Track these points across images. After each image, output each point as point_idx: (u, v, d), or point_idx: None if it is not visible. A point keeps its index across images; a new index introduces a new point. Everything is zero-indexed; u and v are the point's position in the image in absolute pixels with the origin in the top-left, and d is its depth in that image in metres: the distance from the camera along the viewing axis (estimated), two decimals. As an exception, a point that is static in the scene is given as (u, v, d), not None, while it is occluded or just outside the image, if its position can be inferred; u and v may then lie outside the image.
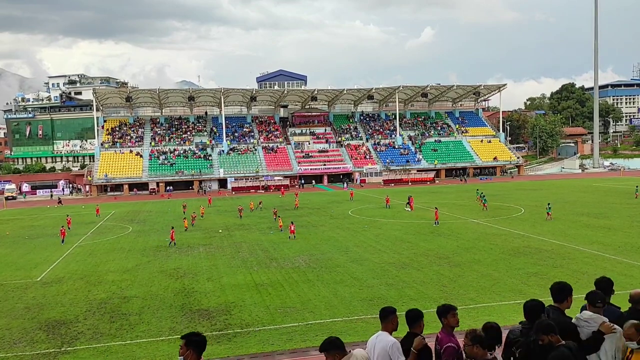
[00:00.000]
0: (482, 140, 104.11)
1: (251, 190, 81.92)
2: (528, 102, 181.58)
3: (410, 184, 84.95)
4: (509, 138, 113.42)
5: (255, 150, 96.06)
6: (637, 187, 55.36)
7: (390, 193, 68.73)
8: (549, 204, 43.84)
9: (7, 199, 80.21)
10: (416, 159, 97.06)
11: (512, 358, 6.27)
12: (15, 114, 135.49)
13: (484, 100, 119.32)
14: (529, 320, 6.33)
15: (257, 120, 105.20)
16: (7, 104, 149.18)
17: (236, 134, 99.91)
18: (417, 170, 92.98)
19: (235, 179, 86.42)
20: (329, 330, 18.58)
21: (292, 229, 37.44)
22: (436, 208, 42.57)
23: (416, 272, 26.37)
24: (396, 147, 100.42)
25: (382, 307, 6.94)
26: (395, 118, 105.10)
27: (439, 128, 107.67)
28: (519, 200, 56.06)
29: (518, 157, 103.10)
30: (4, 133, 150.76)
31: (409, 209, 51.01)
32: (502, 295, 21.73)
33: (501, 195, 61.28)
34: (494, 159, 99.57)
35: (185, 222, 43.84)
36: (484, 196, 51.78)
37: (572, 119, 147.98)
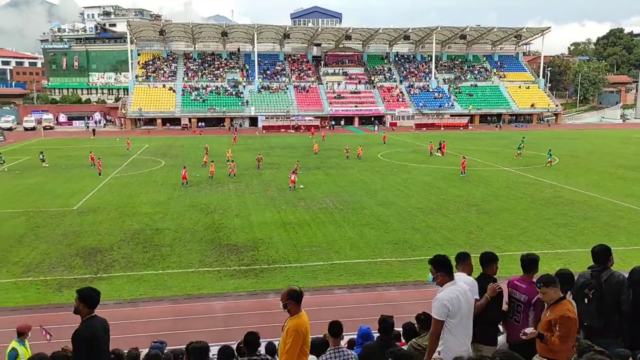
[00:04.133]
0: (520, 86, 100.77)
1: (281, 130, 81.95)
2: (572, 47, 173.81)
3: (442, 129, 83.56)
4: (548, 84, 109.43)
5: (287, 89, 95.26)
6: None
7: (422, 138, 67.87)
8: (549, 150, 45.59)
9: (45, 128, 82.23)
10: (450, 104, 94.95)
11: (586, 299, 6.59)
12: (51, 44, 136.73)
13: (525, 44, 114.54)
14: (597, 264, 6.71)
15: (289, 59, 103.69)
16: (44, 33, 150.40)
17: (268, 72, 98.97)
18: (451, 115, 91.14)
19: (266, 118, 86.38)
20: (353, 270, 18.95)
21: (293, 178, 34.85)
22: (464, 157, 41.57)
23: (443, 218, 26.38)
24: (430, 90, 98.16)
25: (458, 252, 7.19)
26: (431, 60, 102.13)
27: (476, 72, 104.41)
28: (554, 149, 54.68)
29: (557, 105, 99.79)
30: (42, 63, 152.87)
31: (440, 155, 50.45)
32: (529, 244, 21.66)
33: (536, 143, 59.89)
34: (532, 106, 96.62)
35: (205, 158, 44.09)
36: (521, 145, 50.99)
37: (617, 67, 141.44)
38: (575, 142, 62.54)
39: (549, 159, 43.97)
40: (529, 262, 6.78)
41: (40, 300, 16.70)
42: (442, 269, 6.15)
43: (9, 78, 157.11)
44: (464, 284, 6.24)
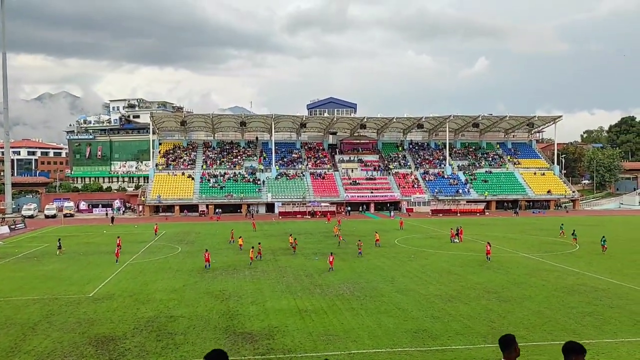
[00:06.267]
0: (535, 173, 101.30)
1: (297, 216, 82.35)
2: (585, 135, 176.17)
3: (459, 214, 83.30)
4: (564, 171, 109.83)
5: (303, 175, 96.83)
6: None
7: (439, 223, 67.59)
8: (603, 237, 43.36)
9: (65, 216, 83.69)
10: (466, 190, 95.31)
11: None
12: (77, 135, 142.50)
13: (538, 132, 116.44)
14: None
15: (306, 147, 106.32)
16: (70, 125, 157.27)
17: (285, 159, 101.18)
18: (467, 201, 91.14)
19: (282, 204, 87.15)
20: (372, 361, 18.27)
21: (331, 260, 35.92)
22: (488, 243, 41.16)
23: (463, 305, 25.69)
24: (445, 176, 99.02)
25: (501, 336, 6.33)
26: (445, 147, 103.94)
27: (490, 159, 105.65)
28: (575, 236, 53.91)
29: (573, 191, 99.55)
30: (66, 153, 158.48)
31: (458, 241, 49.96)
32: (554, 334, 20.84)
33: (555, 230, 59.18)
34: (548, 192, 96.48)
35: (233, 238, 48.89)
36: (574, 232, 49.33)
37: (632, 154, 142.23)
38: (595, 228, 61.64)
39: (604, 246, 42.28)
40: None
41: (49, 391, 16.21)
42: None
43: (34, 167, 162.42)
44: None
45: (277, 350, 19.48)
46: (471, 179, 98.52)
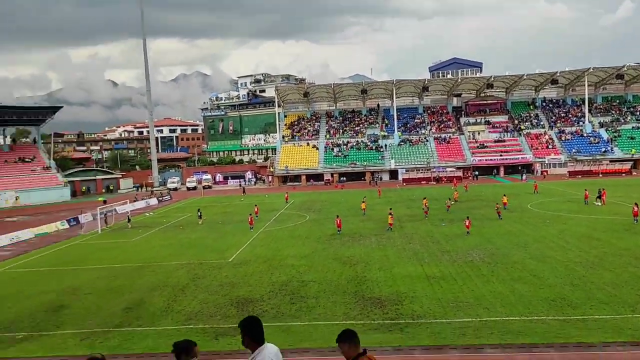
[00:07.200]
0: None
1: (422, 182, 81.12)
2: None
3: (601, 175, 76.56)
4: None
5: (427, 141, 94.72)
6: None
7: (577, 186, 62.82)
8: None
9: (204, 187, 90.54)
10: (609, 148, 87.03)
11: None
12: (210, 112, 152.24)
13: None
14: None
15: (428, 111, 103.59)
16: (204, 102, 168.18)
17: (408, 125, 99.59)
18: (610, 161, 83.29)
19: (406, 170, 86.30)
20: (505, 328, 17.71)
21: (467, 224, 35.77)
22: (635, 204, 37.46)
23: (607, 273, 23.81)
24: (584, 135, 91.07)
25: None
26: (583, 103, 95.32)
27: (638, 113, 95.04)
28: None
29: None
30: (202, 129, 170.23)
31: (600, 204, 46.07)
32: None
33: None
34: None
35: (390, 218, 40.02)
36: None
37: None
38: None
39: None
40: None
41: (200, 348, 17.84)
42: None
43: (175, 144, 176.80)
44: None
45: (406, 316, 19.61)
46: (615, 137, 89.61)
